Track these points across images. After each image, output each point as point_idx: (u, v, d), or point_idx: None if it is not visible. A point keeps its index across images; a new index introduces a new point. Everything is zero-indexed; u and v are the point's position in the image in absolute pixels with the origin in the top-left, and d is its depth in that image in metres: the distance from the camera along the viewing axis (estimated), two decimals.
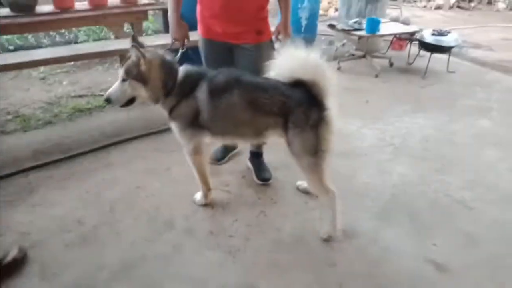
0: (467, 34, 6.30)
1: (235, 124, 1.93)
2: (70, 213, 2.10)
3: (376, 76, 4.29)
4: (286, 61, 1.78)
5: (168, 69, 1.88)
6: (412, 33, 4.45)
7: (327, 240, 1.97)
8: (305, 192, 2.29)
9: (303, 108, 1.78)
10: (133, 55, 1.79)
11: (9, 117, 3.26)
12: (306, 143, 1.82)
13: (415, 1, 8.90)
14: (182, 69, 1.93)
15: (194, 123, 1.93)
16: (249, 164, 2.53)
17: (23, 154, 2.61)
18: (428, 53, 4.31)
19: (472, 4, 8.74)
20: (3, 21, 2.67)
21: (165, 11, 2.98)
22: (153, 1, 3.30)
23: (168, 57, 1.91)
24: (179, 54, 2.09)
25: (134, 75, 1.80)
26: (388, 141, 2.97)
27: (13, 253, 1.78)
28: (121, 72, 1.84)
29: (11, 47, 4.57)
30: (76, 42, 4.96)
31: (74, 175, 2.43)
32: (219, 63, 2.11)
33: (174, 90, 1.90)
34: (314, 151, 1.82)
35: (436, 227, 2.09)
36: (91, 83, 3.99)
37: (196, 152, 2.04)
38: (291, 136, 1.83)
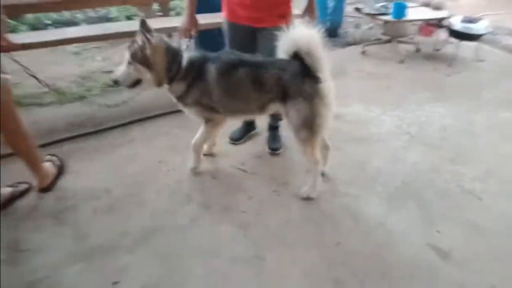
0: (503, 20, 6.03)
1: (241, 101, 2.10)
2: (98, 183, 2.30)
3: (401, 61, 4.24)
4: (286, 36, 1.89)
5: (172, 55, 2.01)
6: (441, 19, 4.34)
7: (306, 199, 2.19)
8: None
9: (298, 80, 1.93)
10: (139, 40, 1.90)
11: (46, 89, 3.48)
12: (301, 115, 1.96)
13: None
14: (186, 56, 2.06)
15: (206, 105, 2.10)
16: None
17: (59, 126, 2.82)
18: (457, 40, 4.20)
19: None
20: None
21: None
22: None
23: (173, 43, 2.05)
24: (190, 41, 2.24)
25: (139, 58, 1.93)
26: (405, 129, 2.99)
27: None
28: (127, 55, 1.97)
29: (48, 22, 4.80)
30: (108, 18, 5.15)
31: (102, 149, 2.62)
32: (242, 45, 2.24)
33: (179, 76, 2.03)
34: (310, 126, 1.97)
35: (443, 215, 2.15)
36: (121, 59, 4.16)
37: (213, 124, 2.23)
38: (288, 107, 2.00)
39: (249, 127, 2.79)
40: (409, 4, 4.32)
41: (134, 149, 2.63)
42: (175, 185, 2.31)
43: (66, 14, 5.05)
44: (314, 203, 2.20)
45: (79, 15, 5.11)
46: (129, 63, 1.98)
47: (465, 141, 2.85)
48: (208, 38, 3.40)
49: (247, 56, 2.07)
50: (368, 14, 4.26)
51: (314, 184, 2.19)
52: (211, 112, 2.16)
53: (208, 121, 2.22)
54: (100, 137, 2.73)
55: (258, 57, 2.10)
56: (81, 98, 3.35)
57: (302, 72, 1.92)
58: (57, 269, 1.75)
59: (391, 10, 4.11)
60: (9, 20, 3.49)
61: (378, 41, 4.57)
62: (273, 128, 2.69)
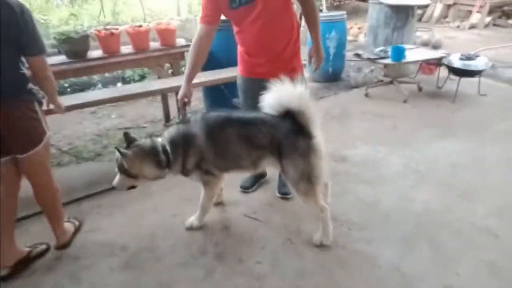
0: (504, 53, 6.18)
1: (233, 159, 2.18)
2: (115, 239, 2.36)
3: (405, 101, 4.34)
4: (275, 94, 1.99)
5: (153, 156, 2.09)
6: (440, 58, 4.49)
7: (319, 246, 2.21)
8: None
9: (291, 138, 2.01)
10: (117, 154, 2.04)
11: (64, 149, 3.65)
12: (299, 170, 2.04)
13: (447, 22, 8.81)
14: (167, 140, 2.14)
15: (203, 168, 2.20)
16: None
17: (76, 185, 2.94)
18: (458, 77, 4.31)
19: (510, 22, 8.51)
20: (61, 67, 3.06)
21: None
22: (189, 43, 3.63)
23: (152, 144, 2.11)
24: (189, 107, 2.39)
25: (124, 171, 2.07)
26: (413, 167, 3.02)
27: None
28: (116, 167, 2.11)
29: (66, 85, 5.11)
30: (123, 77, 5.47)
31: (119, 204, 2.70)
32: (258, 96, 2.34)
33: (172, 160, 2.13)
34: (307, 178, 2.04)
35: (459, 255, 2.12)
36: (136, 116, 4.37)
37: (212, 185, 2.31)
38: (284, 165, 2.08)
39: (259, 175, 2.86)
40: (407, 46, 4.50)
41: (150, 202, 2.71)
42: (190, 238, 2.35)
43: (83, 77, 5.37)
44: (328, 250, 2.20)
45: (95, 76, 5.43)
46: (120, 173, 2.11)
47: (475, 177, 2.85)
48: (215, 91, 3.60)
49: (236, 114, 2.19)
50: (368, 59, 4.43)
51: (326, 231, 2.21)
52: (208, 174, 2.23)
53: (207, 183, 2.29)
54: (117, 193, 2.80)
55: (248, 114, 2.19)
56: (98, 155, 3.50)
57: (295, 129, 2.00)
58: None
59: (390, 54, 4.28)
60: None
61: (381, 83, 4.72)
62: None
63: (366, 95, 4.54)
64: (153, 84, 3.66)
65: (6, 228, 2.05)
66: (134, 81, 5.47)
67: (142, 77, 5.54)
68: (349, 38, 6.72)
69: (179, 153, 2.14)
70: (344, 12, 5.05)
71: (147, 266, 2.15)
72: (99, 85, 5.32)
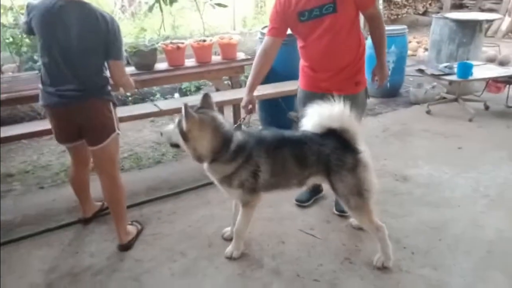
0: None
1: (285, 177, 2.15)
2: (175, 245, 2.42)
3: (470, 120, 4.10)
4: (316, 114, 2.02)
5: (218, 136, 1.98)
6: (510, 76, 4.20)
7: (380, 268, 2.12)
8: (359, 228, 2.43)
9: (338, 154, 2.02)
10: (182, 111, 1.90)
11: (125, 155, 3.84)
12: (348, 185, 2.03)
13: None
14: (235, 139, 2.03)
15: (249, 187, 2.10)
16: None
17: (138, 189, 3.06)
18: None
19: None
20: (131, 78, 3.24)
21: None
22: (249, 57, 3.71)
23: (223, 126, 2.02)
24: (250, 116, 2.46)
25: (180, 128, 1.96)
26: (482, 191, 2.83)
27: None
28: (177, 118, 2.03)
29: (128, 94, 5.39)
30: (180, 88, 5.68)
31: (178, 210, 2.78)
32: None
33: (225, 158, 2.01)
34: (357, 192, 2.03)
35: None
36: None
37: (252, 205, 2.19)
38: (334, 181, 2.07)
39: (316, 189, 2.81)
40: (474, 62, 4.27)
41: (209, 210, 2.76)
42: (246, 249, 2.35)
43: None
44: (390, 273, 2.11)
45: (155, 87, 5.68)
46: (176, 126, 2.02)
47: None
48: (271, 104, 3.63)
49: (287, 134, 2.17)
50: (432, 75, 4.25)
51: (386, 251, 2.12)
52: (252, 193, 2.14)
53: (247, 203, 2.17)
54: (176, 200, 2.91)
55: (296, 133, 2.18)
56: (157, 162, 3.64)
57: (341, 146, 2.02)
58: None
59: (455, 70, 4.08)
60: None
61: (443, 100, 4.50)
62: None
63: (428, 112, 4.35)
64: (212, 96, 3.75)
65: (86, 188, 2.58)
66: (190, 92, 5.65)
67: (198, 89, 5.72)
68: (408, 52, 6.50)
69: (237, 158, 2.02)
70: (405, 27, 4.91)
71: (206, 274, 2.18)
72: (158, 95, 5.56)
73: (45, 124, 2.55)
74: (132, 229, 2.47)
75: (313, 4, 2.15)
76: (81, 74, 2.10)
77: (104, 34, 2.06)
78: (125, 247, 2.38)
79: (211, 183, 3.05)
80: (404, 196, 2.81)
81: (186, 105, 1.85)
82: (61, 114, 2.19)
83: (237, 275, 2.16)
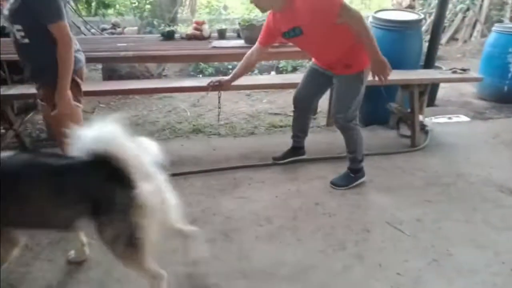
0: None
1: (32, 214, 1.61)
2: (262, 211, 2.54)
3: None
4: (83, 136, 1.51)
5: None
6: None
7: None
8: None
9: (108, 189, 1.55)
10: None
11: (222, 122, 4.08)
12: (115, 232, 1.57)
13: None
14: None
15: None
16: None
17: (232, 155, 3.26)
18: None
19: None
20: (239, 50, 3.39)
21: None
22: None
23: None
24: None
25: None
26: None
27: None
28: None
29: (230, 66, 5.66)
30: (277, 67, 5.80)
31: (267, 181, 2.90)
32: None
33: None
34: (126, 241, 1.58)
35: None
36: (284, 104, 4.59)
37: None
38: (99, 225, 1.58)
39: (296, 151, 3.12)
40: None
41: (296, 186, 2.84)
42: (330, 229, 2.39)
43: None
44: (481, 284, 1.98)
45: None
46: None
47: None
48: (372, 93, 3.52)
49: (42, 159, 1.68)
50: None
51: None
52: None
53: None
54: (266, 170, 3.04)
55: (52, 160, 1.66)
56: (250, 133, 3.81)
57: (114, 179, 1.53)
58: (227, 278, 2.00)
59: None
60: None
61: None
62: None
63: None
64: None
65: None
66: (286, 71, 5.73)
67: (295, 69, 5.77)
68: None
69: None
70: None
71: (288, 243, 2.27)
72: (256, 71, 5.73)
73: (157, 83, 2.85)
74: None
75: (287, 27, 2.45)
76: None
77: None
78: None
79: (298, 161, 3.15)
80: (508, 210, 2.57)
81: None
82: None
83: (318, 251, 2.21)
